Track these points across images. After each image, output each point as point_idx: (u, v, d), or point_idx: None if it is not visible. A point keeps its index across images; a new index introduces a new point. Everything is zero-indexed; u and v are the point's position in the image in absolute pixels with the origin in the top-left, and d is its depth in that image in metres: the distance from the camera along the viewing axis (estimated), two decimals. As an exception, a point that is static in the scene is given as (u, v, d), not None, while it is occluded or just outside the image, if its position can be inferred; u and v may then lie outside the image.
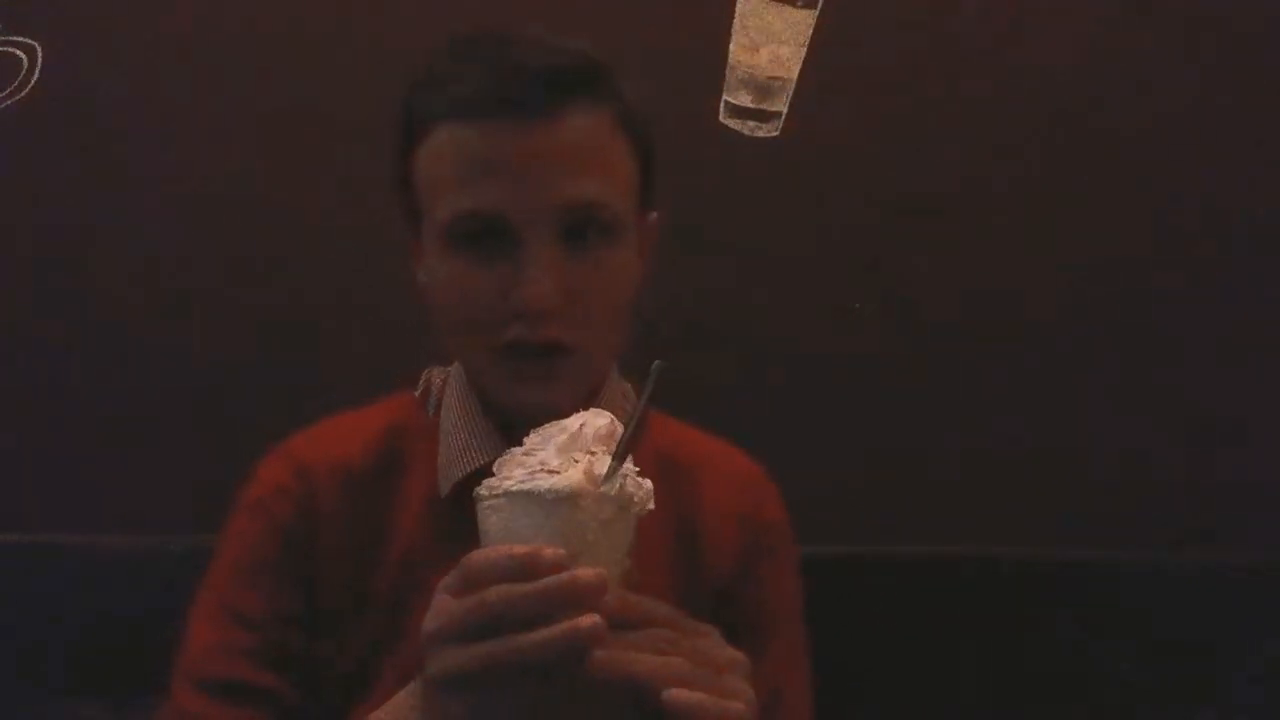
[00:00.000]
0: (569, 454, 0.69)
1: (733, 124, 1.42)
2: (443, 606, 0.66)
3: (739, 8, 1.40)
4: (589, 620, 0.62)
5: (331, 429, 0.95)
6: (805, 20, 1.40)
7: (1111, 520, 1.39)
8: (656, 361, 0.70)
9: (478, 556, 0.66)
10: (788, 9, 1.40)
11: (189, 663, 0.85)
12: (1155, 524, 1.38)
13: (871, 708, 1.22)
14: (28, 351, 1.39)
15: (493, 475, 0.78)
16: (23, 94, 1.39)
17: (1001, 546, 1.32)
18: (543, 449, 0.70)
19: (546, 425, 0.72)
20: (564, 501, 0.66)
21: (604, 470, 0.68)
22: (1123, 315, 1.41)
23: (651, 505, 0.71)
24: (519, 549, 0.64)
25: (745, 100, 1.41)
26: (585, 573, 0.63)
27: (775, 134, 1.42)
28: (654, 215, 0.91)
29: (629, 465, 0.70)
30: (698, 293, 1.39)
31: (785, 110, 1.41)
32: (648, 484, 0.71)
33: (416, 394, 0.96)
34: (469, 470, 0.85)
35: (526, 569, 0.63)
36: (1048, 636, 1.28)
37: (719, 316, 1.40)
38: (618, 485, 0.68)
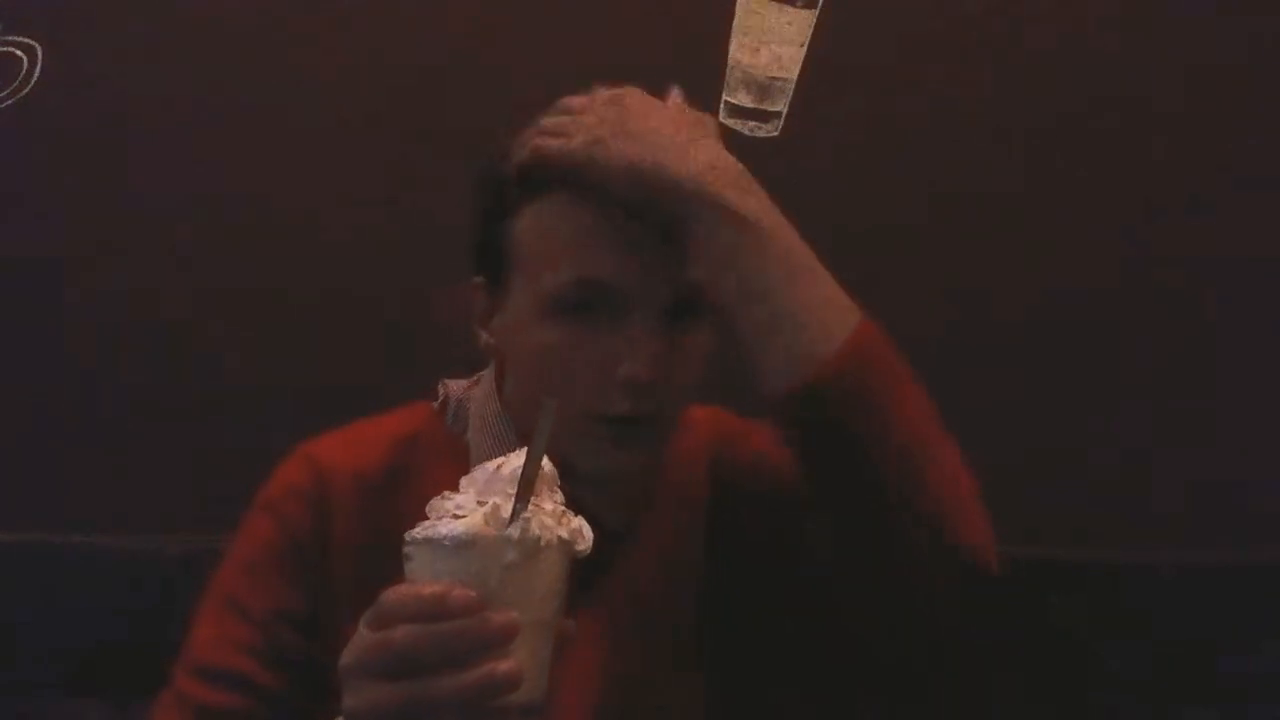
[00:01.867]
0: (487, 496, 0.68)
1: (733, 124, 1.42)
2: (359, 640, 0.65)
3: (739, 8, 1.40)
4: (506, 666, 0.61)
5: (350, 435, 0.96)
6: (805, 20, 1.40)
7: (1111, 520, 1.39)
8: (547, 399, 0.69)
9: (391, 593, 0.65)
10: (788, 9, 1.40)
11: (190, 651, 0.87)
12: (1155, 524, 1.38)
13: (871, 707, 1.22)
14: (27, 351, 1.39)
15: None
16: (23, 94, 1.39)
17: (1002, 546, 1.32)
18: (466, 490, 0.69)
19: (476, 468, 0.70)
20: (463, 547, 0.65)
21: (508, 513, 0.66)
22: (1123, 315, 1.41)
23: (584, 546, 0.68)
24: (428, 588, 0.64)
25: (745, 100, 1.41)
26: (495, 617, 0.62)
27: (775, 134, 1.42)
28: None
29: (552, 505, 0.68)
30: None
31: (785, 110, 1.41)
32: (576, 523, 0.69)
33: (435, 405, 0.98)
34: None
35: (434, 610, 0.62)
36: (1048, 636, 1.28)
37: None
38: (519, 528, 0.65)
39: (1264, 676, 1.26)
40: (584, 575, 0.84)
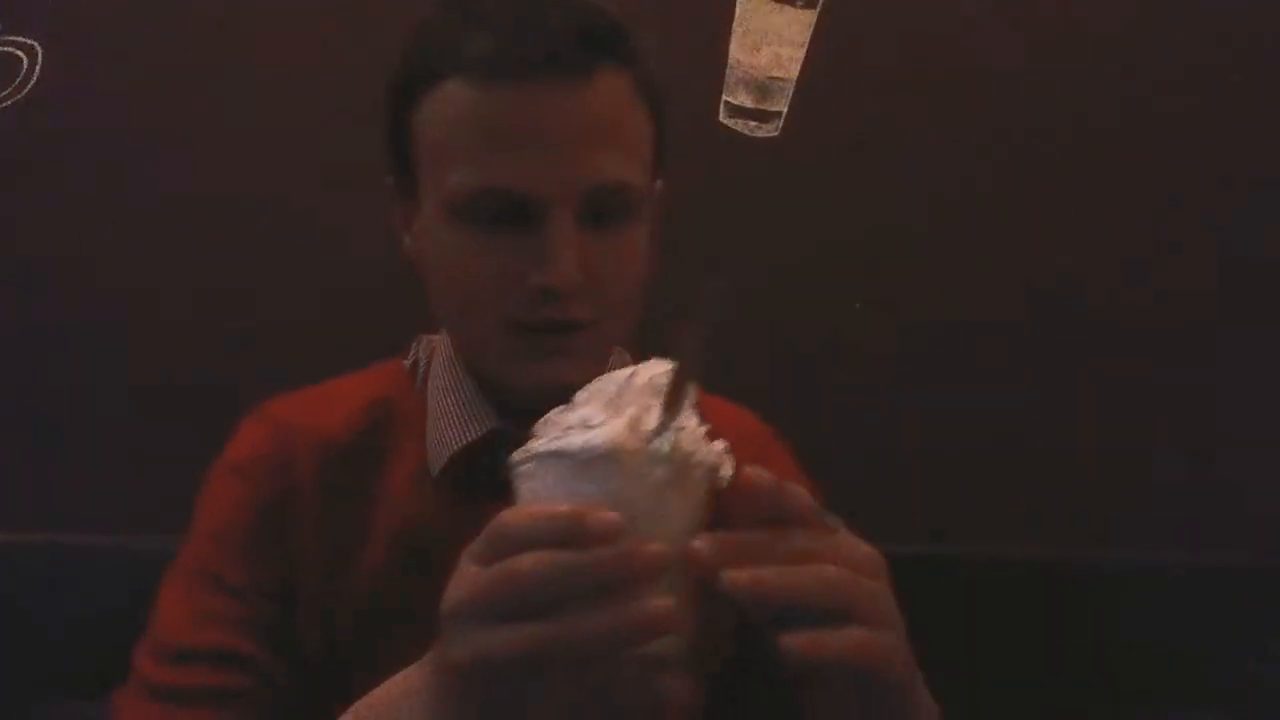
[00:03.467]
0: (617, 408, 0.56)
1: (733, 124, 1.42)
2: (467, 577, 0.54)
3: (739, 8, 1.40)
4: (660, 603, 0.50)
5: (315, 396, 0.89)
6: (805, 20, 1.40)
7: (1111, 520, 1.39)
8: (711, 284, 0.57)
9: (510, 516, 0.54)
10: (788, 9, 1.40)
11: (157, 635, 0.79)
12: (1155, 524, 1.38)
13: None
14: (27, 351, 1.39)
15: (480, 454, 0.77)
16: (23, 94, 1.39)
17: (1003, 546, 1.32)
18: (588, 404, 0.58)
19: (596, 379, 0.59)
20: (601, 461, 0.53)
21: (654, 424, 0.55)
22: (1123, 315, 1.41)
23: (728, 472, 0.57)
24: (560, 509, 0.52)
25: (745, 100, 1.41)
26: (647, 545, 0.51)
27: (775, 134, 1.42)
28: (660, 183, 0.86)
29: (692, 422, 0.56)
30: (696, 292, 1.39)
31: (785, 110, 1.41)
32: (721, 446, 0.58)
33: (406, 364, 0.91)
34: (461, 446, 0.81)
35: (569, 534, 0.51)
36: (1048, 636, 1.28)
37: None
38: (670, 441, 0.54)
39: (1264, 676, 1.26)
40: None
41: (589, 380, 0.79)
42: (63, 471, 1.37)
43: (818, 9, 1.40)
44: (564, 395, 0.78)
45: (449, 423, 0.83)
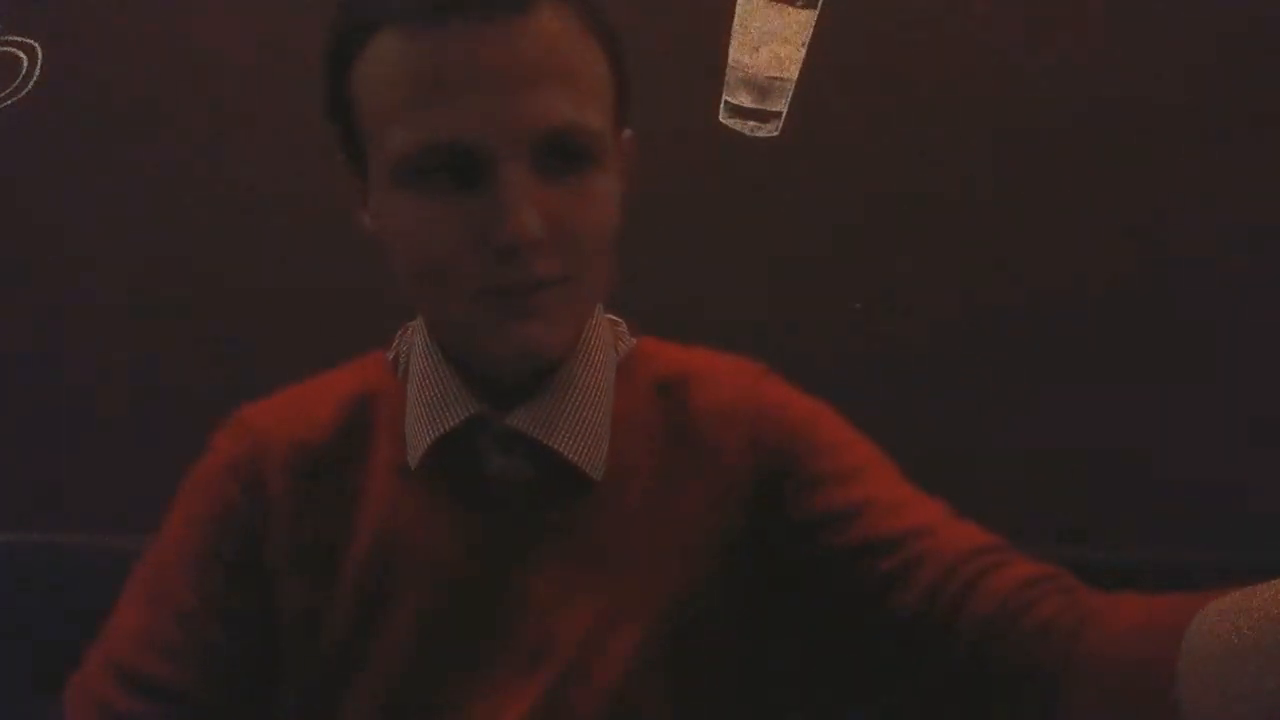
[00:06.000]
0: None
1: (733, 124, 1.42)
2: None
3: (739, 8, 1.40)
4: None
5: (293, 398, 0.87)
6: (805, 20, 1.40)
7: (1111, 520, 1.39)
8: None
9: None
10: (788, 9, 1.40)
11: (111, 642, 0.80)
12: (1156, 524, 1.38)
13: (871, 706, 1.22)
14: (27, 351, 1.39)
15: (461, 443, 0.75)
16: (23, 94, 1.40)
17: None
18: None
19: None
20: None
21: None
22: (1124, 315, 1.41)
23: None
24: None
25: (745, 100, 1.41)
26: None
27: (775, 134, 1.42)
28: (629, 133, 0.80)
29: None
30: (697, 292, 1.39)
31: (785, 110, 1.41)
32: None
33: (389, 355, 0.88)
34: (437, 436, 0.78)
35: None
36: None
37: (718, 316, 1.40)
38: None
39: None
40: (559, 526, 0.77)
41: (567, 341, 0.76)
42: (63, 471, 1.37)
43: (818, 9, 1.40)
44: (545, 358, 0.74)
45: (425, 411, 0.79)
